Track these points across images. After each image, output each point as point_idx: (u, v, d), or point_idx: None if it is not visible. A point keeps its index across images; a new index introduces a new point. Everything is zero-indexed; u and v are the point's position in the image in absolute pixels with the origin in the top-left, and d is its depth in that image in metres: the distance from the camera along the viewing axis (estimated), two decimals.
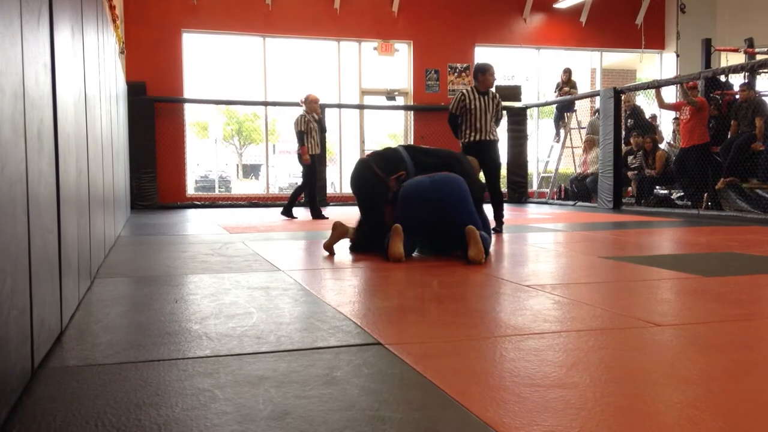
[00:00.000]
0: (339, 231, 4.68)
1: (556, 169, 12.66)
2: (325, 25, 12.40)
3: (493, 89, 6.60)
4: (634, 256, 4.64)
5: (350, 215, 5.86)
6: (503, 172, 13.26)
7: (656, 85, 9.70)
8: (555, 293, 3.15)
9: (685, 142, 9.09)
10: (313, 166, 8.71)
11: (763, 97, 9.26)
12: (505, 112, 7.02)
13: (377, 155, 4.86)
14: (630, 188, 10.49)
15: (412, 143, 12.61)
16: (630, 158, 10.55)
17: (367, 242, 4.67)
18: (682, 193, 9.69)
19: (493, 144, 6.46)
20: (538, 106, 13.42)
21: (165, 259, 4.48)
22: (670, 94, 11.17)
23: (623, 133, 10.36)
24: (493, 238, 5.67)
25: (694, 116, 8.85)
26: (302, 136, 8.54)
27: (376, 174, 4.64)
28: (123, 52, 9.64)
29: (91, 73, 3.66)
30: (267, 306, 2.84)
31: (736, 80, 9.91)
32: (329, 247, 4.70)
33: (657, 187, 10.17)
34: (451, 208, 4.28)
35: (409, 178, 4.53)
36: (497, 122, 6.55)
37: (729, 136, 8.94)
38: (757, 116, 8.49)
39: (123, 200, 7.32)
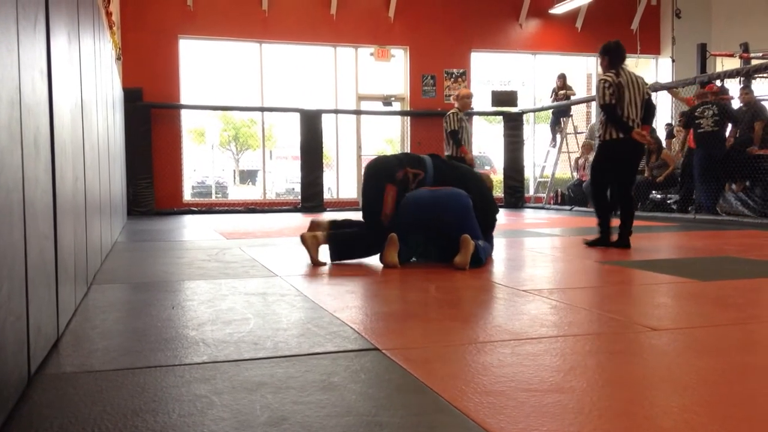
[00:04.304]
0: (310, 243, 4.50)
1: (553, 174, 12.68)
2: (321, 30, 12.41)
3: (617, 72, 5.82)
4: (630, 260, 4.64)
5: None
6: (500, 177, 13.37)
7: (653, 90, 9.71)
8: (552, 298, 3.15)
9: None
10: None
11: (762, 102, 9.28)
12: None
13: (403, 153, 4.99)
14: None
15: (408, 150, 12.70)
16: None
17: (345, 241, 4.54)
18: (678, 198, 9.70)
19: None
20: (534, 111, 13.44)
21: (162, 265, 4.48)
22: (665, 99, 11.21)
23: None
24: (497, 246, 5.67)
25: None
26: (456, 135, 7.46)
27: (396, 158, 4.74)
28: (120, 58, 9.63)
29: (88, 79, 3.66)
30: (264, 312, 2.84)
31: (731, 85, 9.93)
32: (315, 260, 4.49)
33: (653, 191, 10.18)
34: (448, 222, 4.31)
35: (426, 177, 4.59)
36: (649, 114, 5.53)
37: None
38: (756, 120, 8.51)
39: (119, 206, 7.31)
